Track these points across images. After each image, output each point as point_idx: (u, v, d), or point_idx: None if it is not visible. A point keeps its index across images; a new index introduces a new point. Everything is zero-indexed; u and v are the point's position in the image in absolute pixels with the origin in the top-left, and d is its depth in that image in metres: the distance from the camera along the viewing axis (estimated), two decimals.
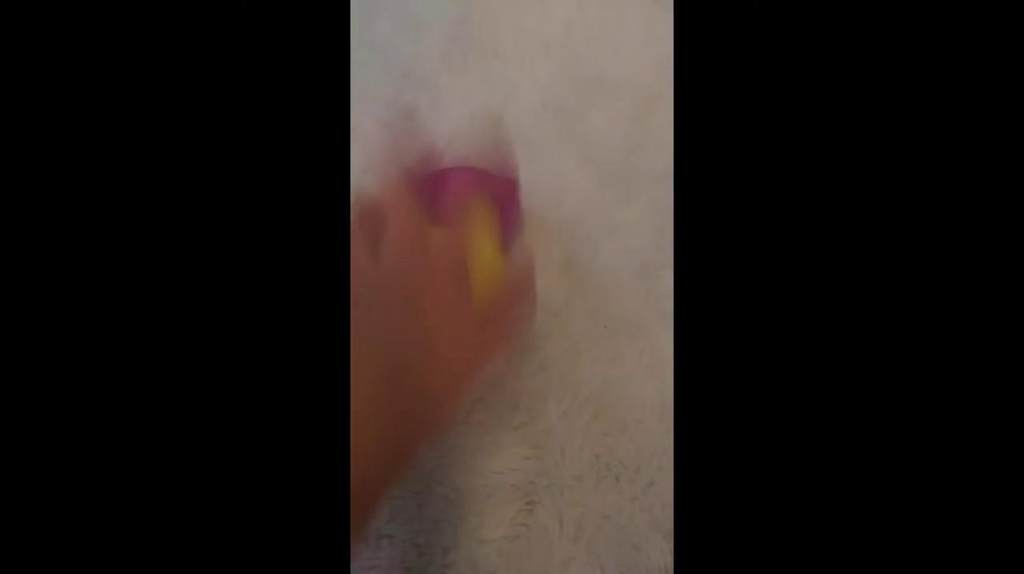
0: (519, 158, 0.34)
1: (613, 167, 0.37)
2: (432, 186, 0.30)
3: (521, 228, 0.34)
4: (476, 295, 0.27)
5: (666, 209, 0.36)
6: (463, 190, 0.30)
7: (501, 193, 0.31)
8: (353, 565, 0.29)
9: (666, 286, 0.34)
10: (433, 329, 0.25)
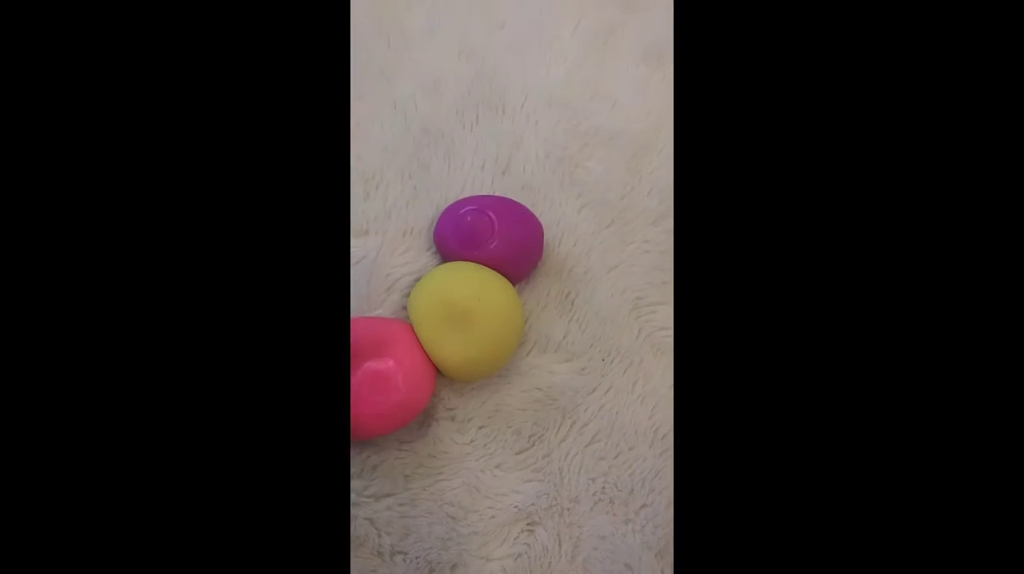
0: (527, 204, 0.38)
1: (609, 211, 0.41)
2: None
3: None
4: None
5: (657, 250, 0.39)
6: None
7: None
8: None
9: (659, 321, 0.37)
10: None
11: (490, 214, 0.36)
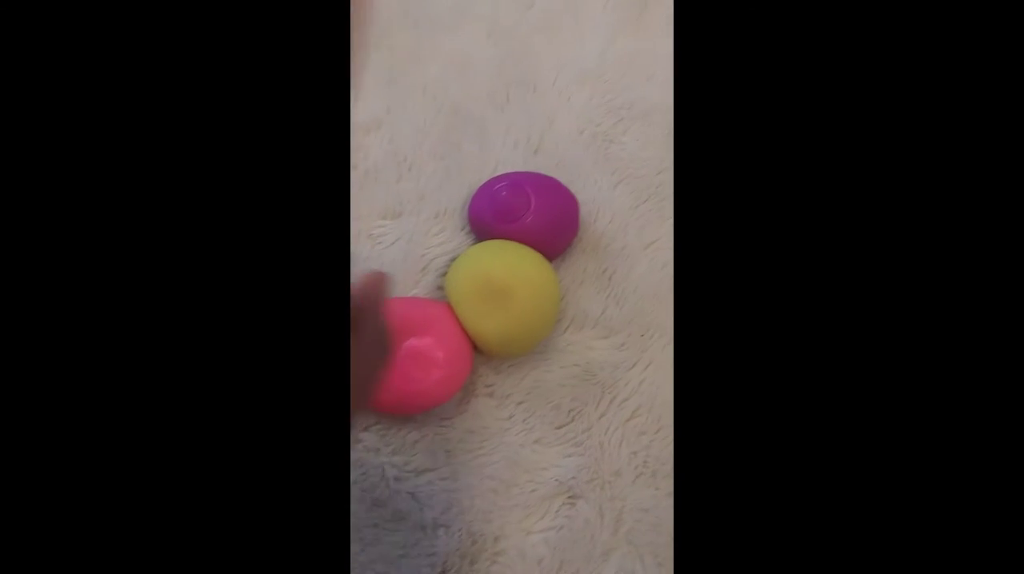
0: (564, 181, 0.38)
1: (646, 187, 0.40)
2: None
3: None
4: None
5: None
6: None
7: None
8: (412, 551, 0.33)
9: None
10: None
11: (525, 187, 0.36)
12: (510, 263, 0.35)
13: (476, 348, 0.35)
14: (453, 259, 0.39)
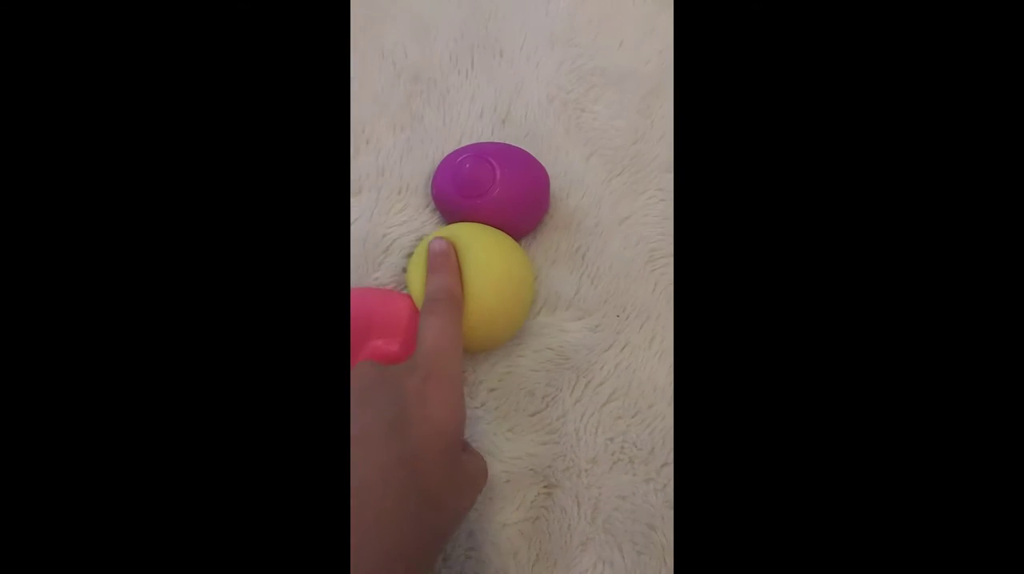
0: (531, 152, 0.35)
1: (620, 158, 0.38)
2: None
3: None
4: None
5: (671, 198, 0.37)
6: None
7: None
8: None
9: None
10: None
11: (490, 160, 0.33)
12: (478, 256, 0.32)
13: None
14: (419, 239, 0.36)
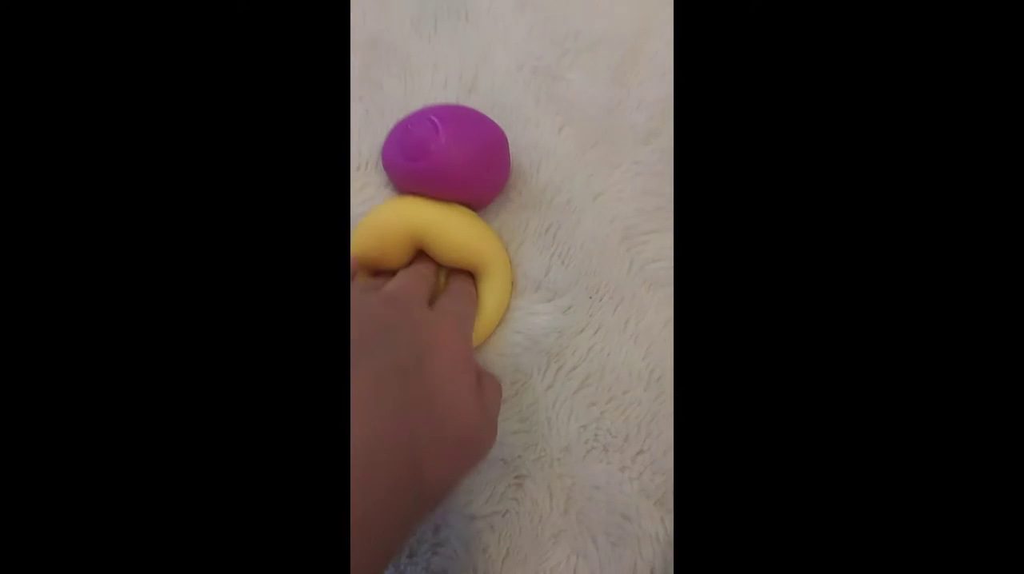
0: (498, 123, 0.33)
1: (594, 129, 0.36)
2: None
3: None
4: None
5: (649, 171, 0.34)
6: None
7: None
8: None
9: (651, 252, 0.33)
10: None
11: (432, 118, 0.30)
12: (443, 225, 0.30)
13: None
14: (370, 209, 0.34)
